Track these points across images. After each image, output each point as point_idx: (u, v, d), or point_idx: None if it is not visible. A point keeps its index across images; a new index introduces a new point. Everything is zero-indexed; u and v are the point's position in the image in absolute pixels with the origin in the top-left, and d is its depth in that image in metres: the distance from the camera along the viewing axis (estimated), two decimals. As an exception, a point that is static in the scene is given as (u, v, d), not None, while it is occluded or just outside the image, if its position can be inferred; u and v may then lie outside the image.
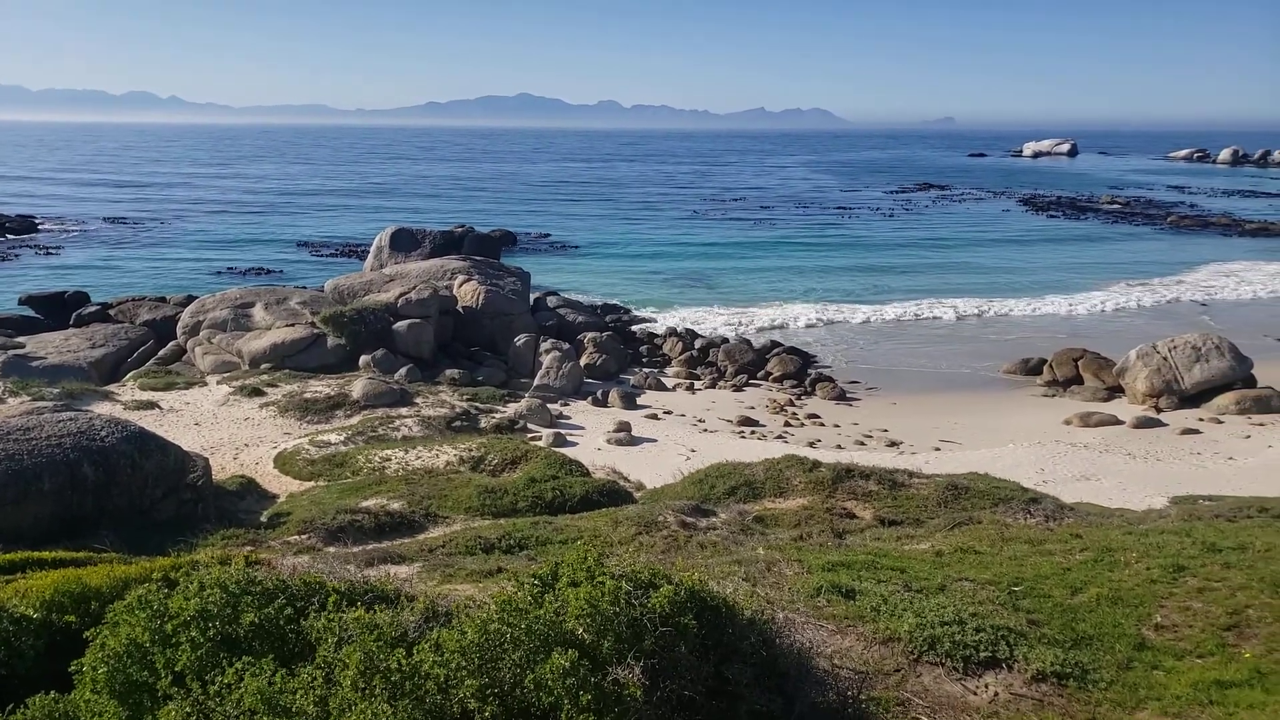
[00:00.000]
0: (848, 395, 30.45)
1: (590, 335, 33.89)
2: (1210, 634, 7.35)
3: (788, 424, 27.28)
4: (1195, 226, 76.33)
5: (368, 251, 47.38)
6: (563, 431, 24.72)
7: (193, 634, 4.41)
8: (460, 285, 34.82)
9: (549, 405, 27.04)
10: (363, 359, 29.90)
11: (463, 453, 19.81)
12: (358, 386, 26.05)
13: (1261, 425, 25.66)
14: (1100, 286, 49.84)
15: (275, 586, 5.05)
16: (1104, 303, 45.86)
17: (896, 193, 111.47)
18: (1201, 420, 26.40)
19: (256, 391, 26.05)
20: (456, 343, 33.47)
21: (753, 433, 26.36)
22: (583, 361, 31.78)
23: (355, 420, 24.02)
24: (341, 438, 21.70)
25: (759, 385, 31.89)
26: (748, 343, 35.86)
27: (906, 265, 57.27)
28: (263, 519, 16.36)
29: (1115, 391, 29.64)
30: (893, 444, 25.08)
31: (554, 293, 42.63)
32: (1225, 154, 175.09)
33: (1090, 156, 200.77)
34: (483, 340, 33.71)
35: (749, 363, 33.26)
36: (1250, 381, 28.51)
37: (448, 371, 30.03)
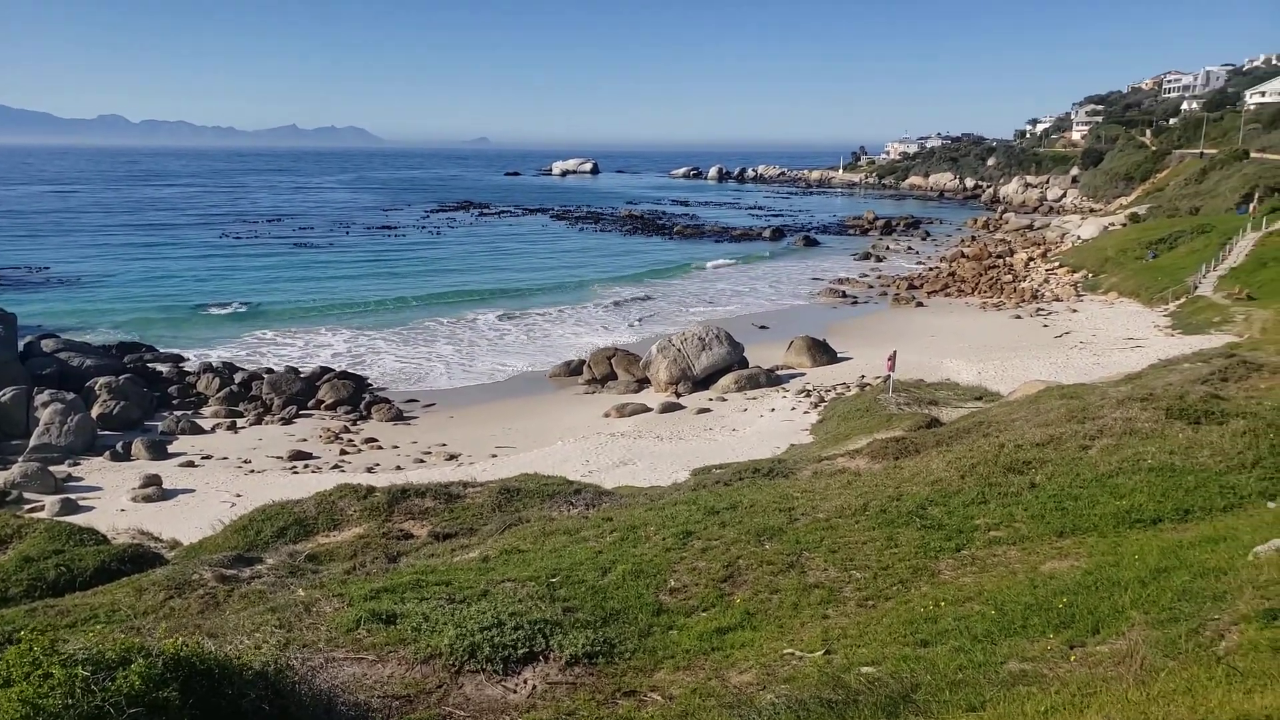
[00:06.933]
0: (405, 415, 30.17)
1: (103, 380, 29.54)
2: (711, 588, 8.42)
3: (344, 452, 26.28)
4: (695, 235, 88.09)
5: None
6: (73, 496, 21.24)
7: None
8: (-87, 336, 28.27)
9: (52, 468, 23.07)
10: None
11: (-73, 542, 16.03)
12: None
13: (754, 399, 30.34)
14: (622, 289, 55.32)
15: None
16: (628, 303, 50.93)
17: (438, 211, 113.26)
18: (711, 400, 30.50)
19: None
20: (-86, 407, 27.10)
21: (306, 466, 24.96)
22: (95, 412, 27.60)
23: None
24: None
25: (311, 415, 30.32)
26: (295, 371, 33.87)
27: (452, 280, 58.31)
28: None
29: (644, 383, 33.06)
30: (452, 457, 25.36)
31: (52, 335, 36.49)
32: (713, 171, 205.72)
33: (610, 175, 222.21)
34: (-47, 401, 27.67)
35: (298, 392, 31.42)
36: (744, 363, 33.61)
37: (-97, 444, 24.25)
